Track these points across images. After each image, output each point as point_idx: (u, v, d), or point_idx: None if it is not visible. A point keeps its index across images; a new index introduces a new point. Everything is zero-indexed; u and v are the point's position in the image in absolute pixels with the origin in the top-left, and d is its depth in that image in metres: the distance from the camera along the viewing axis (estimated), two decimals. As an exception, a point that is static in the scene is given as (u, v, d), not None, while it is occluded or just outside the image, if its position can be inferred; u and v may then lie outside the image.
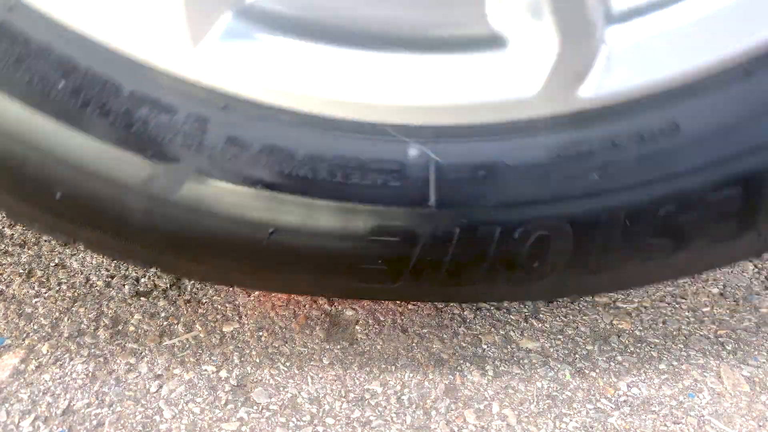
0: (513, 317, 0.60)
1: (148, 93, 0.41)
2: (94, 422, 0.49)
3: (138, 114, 0.41)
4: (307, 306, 0.61)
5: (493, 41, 0.42)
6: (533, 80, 0.42)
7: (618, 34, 0.42)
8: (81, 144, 0.42)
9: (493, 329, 0.59)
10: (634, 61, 0.42)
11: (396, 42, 0.43)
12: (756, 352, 0.57)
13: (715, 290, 0.63)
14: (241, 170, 0.43)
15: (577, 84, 0.42)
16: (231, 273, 0.49)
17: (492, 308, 0.61)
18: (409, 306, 0.61)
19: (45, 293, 0.61)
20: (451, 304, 0.61)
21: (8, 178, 0.44)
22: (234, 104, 0.42)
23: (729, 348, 0.58)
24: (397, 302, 0.61)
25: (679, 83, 0.43)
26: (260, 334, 0.58)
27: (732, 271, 0.65)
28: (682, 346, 0.58)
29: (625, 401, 0.53)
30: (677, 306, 0.61)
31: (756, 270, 0.66)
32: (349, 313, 0.60)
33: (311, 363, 0.55)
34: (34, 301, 0.60)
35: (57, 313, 0.58)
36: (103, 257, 0.65)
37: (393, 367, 0.55)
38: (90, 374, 0.53)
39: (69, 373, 0.53)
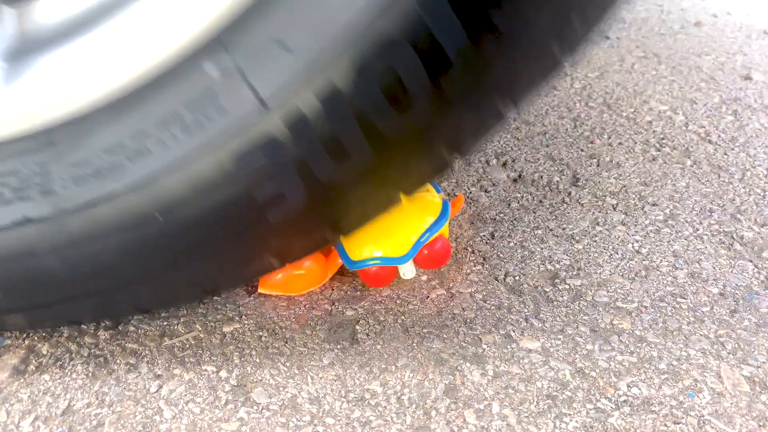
0: (513, 317, 0.60)
1: None
2: (94, 422, 0.49)
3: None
4: (307, 306, 0.61)
5: None
6: None
7: None
8: None
9: (493, 329, 0.59)
10: None
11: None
12: (756, 352, 0.57)
13: (715, 290, 0.63)
14: (106, 187, 0.45)
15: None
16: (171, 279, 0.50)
17: (492, 308, 0.61)
18: (410, 306, 0.61)
19: (45, 293, 0.61)
20: (452, 303, 0.61)
21: None
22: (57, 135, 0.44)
23: (729, 348, 0.58)
24: (397, 302, 0.61)
25: None
26: (260, 334, 0.58)
27: (732, 271, 0.65)
28: (682, 346, 0.58)
29: (625, 401, 0.53)
30: (677, 306, 0.61)
31: (756, 270, 0.66)
32: (349, 313, 0.60)
33: (311, 363, 0.55)
34: (34, 301, 0.60)
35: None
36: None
37: (393, 367, 0.55)
38: (90, 374, 0.53)
39: (69, 373, 0.53)
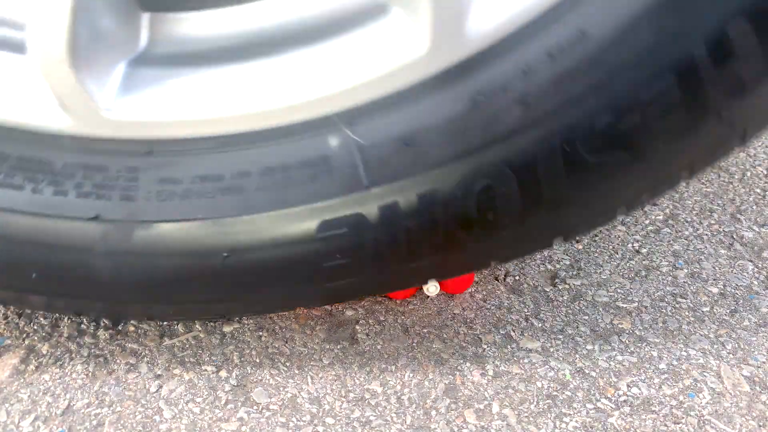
0: (513, 317, 0.60)
1: (78, 161, 0.44)
2: (94, 422, 0.49)
3: (74, 181, 0.44)
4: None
5: (378, 10, 0.42)
6: (422, 36, 0.40)
7: None
8: (39, 225, 0.45)
9: (493, 329, 0.59)
10: None
11: (289, 41, 0.43)
12: (756, 352, 0.57)
13: (715, 290, 0.63)
14: (177, 205, 0.44)
15: (463, 24, 0.40)
16: (203, 303, 0.50)
17: (492, 308, 0.61)
18: (410, 306, 0.61)
19: (45, 293, 0.60)
20: (452, 303, 0.61)
21: None
22: (157, 147, 0.44)
23: (729, 348, 0.58)
24: (397, 302, 0.61)
25: None
26: (260, 334, 0.58)
27: (732, 271, 0.65)
28: (682, 346, 0.58)
29: (625, 401, 0.53)
30: (677, 305, 0.61)
31: (756, 270, 0.66)
32: (349, 313, 0.60)
33: (311, 363, 0.55)
34: (34, 301, 0.60)
35: (56, 314, 0.58)
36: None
37: (393, 367, 0.55)
38: (90, 374, 0.53)
39: (69, 373, 0.53)
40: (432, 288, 0.61)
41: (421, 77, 0.42)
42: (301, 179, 0.43)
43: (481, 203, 0.44)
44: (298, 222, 0.44)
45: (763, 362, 0.56)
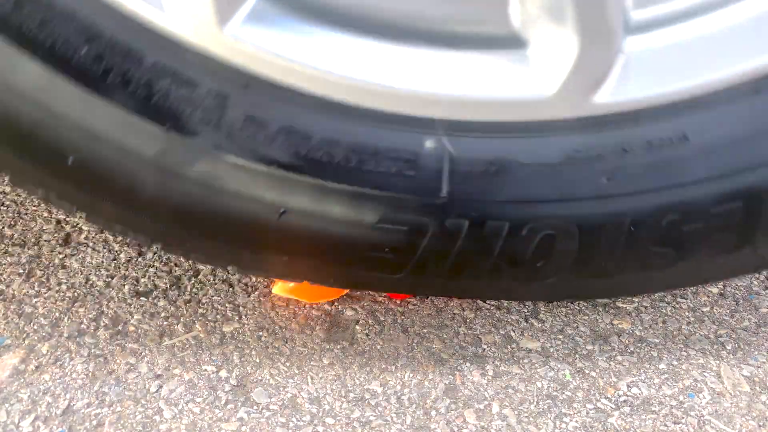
0: (513, 317, 0.60)
1: (170, 65, 0.42)
2: (94, 422, 0.49)
3: (159, 85, 0.42)
4: (307, 306, 0.61)
5: (514, 41, 0.42)
6: (551, 82, 0.42)
7: (636, 44, 0.42)
8: (99, 110, 0.42)
9: (493, 329, 0.59)
10: (649, 72, 0.43)
11: (419, 36, 0.43)
12: (756, 352, 0.57)
13: (715, 290, 0.63)
14: (258, 149, 0.43)
15: (593, 89, 0.42)
16: (236, 253, 0.49)
17: (492, 308, 0.61)
18: (410, 306, 0.61)
19: (45, 293, 0.61)
20: (452, 303, 0.61)
21: (19, 140, 0.44)
22: (255, 84, 0.43)
23: (729, 348, 0.58)
24: (398, 302, 0.61)
25: (690, 95, 0.43)
26: (260, 334, 0.58)
27: (732, 271, 0.65)
28: (682, 346, 0.58)
29: (625, 401, 0.53)
30: (677, 306, 0.61)
31: (756, 270, 0.66)
32: (349, 313, 0.60)
33: (311, 363, 0.55)
34: (34, 301, 0.60)
35: (57, 313, 0.58)
36: (101, 255, 0.65)
37: (393, 367, 0.55)
38: (90, 374, 0.53)
39: (69, 373, 0.53)
40: None
41: (530, 116, 0.44)
42: (385, 167, 0.44)
43: (538, 248, 0.47)
44: (367, 204, 0.45)
45: (763, 362, 0.56)
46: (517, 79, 0.43)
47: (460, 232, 0.46)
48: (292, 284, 0.60)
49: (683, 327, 0.59)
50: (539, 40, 0.42)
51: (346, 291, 0.62)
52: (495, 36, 0.43)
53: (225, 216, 0.46)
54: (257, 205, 0.45)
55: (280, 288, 0.60)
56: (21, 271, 0.63)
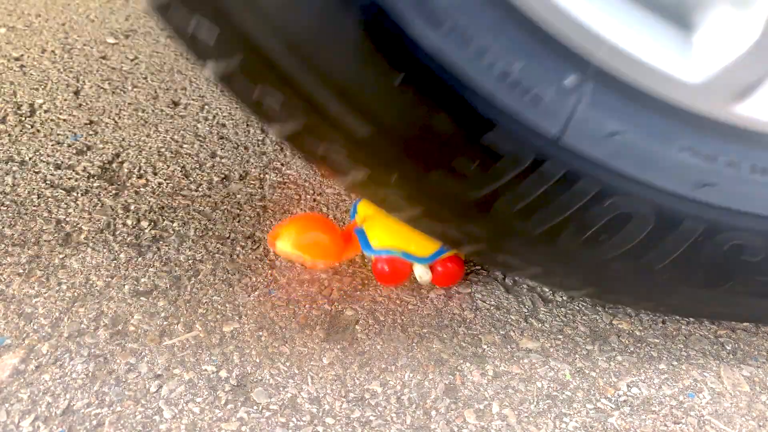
0: (513, 317, 0.60)
1: None
2: (94, 422, 0.49)
3: None
4: (307, 306, 0.61)
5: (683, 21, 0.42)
6: (701, 71, 0.41)
7: None
8: None
9: (493, 329, 0.59)
10: None
11: None
12: (756, 352, 0.57)
13: (715, 290, 0.63)
14: None
15: (738, 97, 0.42)
16: None
17: (492, 308, 0.61)
18: (409, 306, 0.61)
19: (45, 293, 0.61)
20: (451, 303, 0.61)
21: None
22: None
23: (729, 348, 0.58)
24: (397, 302, 0.61)
25: None
26: (260, 334, 0.58)
27: (732, 271, 0.65)
28: (682, 346, 0.58)
29: (625, 401, 0.53)
30: (677, 306, 0.61)
31: (756, 270, 0.66)
32: (349, 313, 0.60)
33: (311, 363, 0.55)
34: (34, 301, 0.60)
35: (57, 313, 0.58)
36: (102, 255, 0.65)
37: (393, 367, 0.55)
38: (90, 374, 0.53)
39: (69, 373, 0.53)
40: (424, 275, 0.61)
41: (668, 93, 0.43)
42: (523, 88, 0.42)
43: (610, 225, 0.46)
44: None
45: (763, 362, 0.56)
46: (675, 48, 0.41)
47: (550, 179, 0.44)
48: (294, 238, 0.59)
49: (683, 327, 0.59)
50: (710, 19, 0.41)
51: (342, 259, 0.62)
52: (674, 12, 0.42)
53: None
54: None
55: (283, 244, 0.58)
56: (21, 271, 0.63)
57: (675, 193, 0.45)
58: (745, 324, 0.60)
